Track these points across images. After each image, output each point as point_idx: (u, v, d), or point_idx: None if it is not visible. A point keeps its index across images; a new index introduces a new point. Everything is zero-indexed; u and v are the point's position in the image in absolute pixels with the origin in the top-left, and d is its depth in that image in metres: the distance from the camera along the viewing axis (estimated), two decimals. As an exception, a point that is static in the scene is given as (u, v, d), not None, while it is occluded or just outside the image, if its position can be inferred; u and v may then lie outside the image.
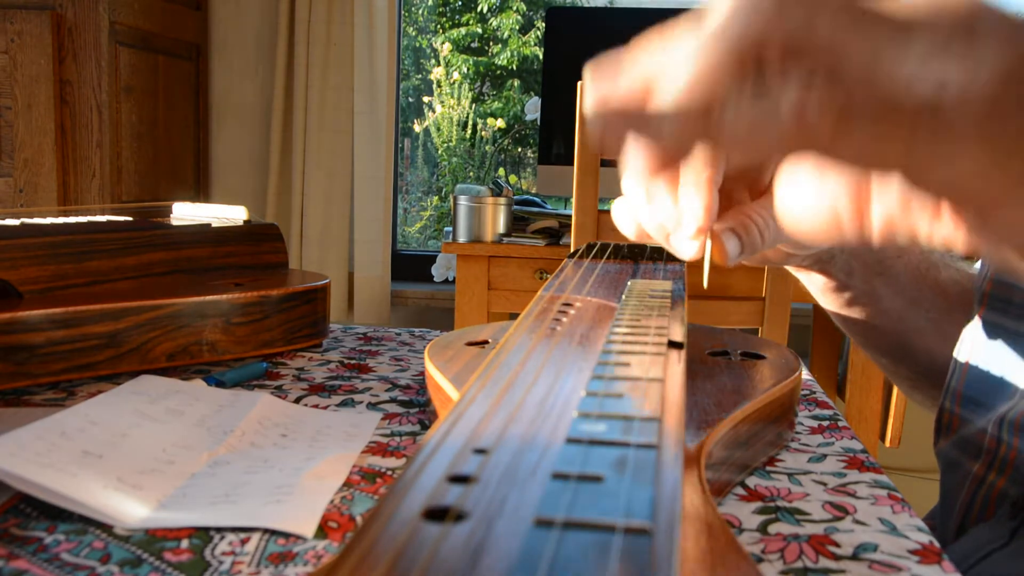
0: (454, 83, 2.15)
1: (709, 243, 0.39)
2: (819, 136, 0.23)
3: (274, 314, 0.66)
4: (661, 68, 0.28)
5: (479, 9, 2.59)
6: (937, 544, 0.37)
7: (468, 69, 2.47)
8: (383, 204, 2.03)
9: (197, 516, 0.37)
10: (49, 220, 0.70)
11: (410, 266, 2.20)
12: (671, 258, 0.60)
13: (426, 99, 2.19)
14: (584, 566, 0.17)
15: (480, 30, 2.57)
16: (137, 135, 1.85)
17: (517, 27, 2.54)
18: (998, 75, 0.23)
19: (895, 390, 1.56)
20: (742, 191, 0.44)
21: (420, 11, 2.59)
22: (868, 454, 0.48)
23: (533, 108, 2.07)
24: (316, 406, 0.55)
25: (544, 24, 1.88)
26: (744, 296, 1.36)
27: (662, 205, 0.38)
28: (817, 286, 0.62)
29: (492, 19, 2.57)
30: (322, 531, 0.36)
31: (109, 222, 0.74)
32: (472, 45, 2.57)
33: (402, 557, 0.18)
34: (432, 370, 0.50)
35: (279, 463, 0.43)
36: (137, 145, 1.85)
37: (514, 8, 2.55)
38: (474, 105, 2.16)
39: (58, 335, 0.55)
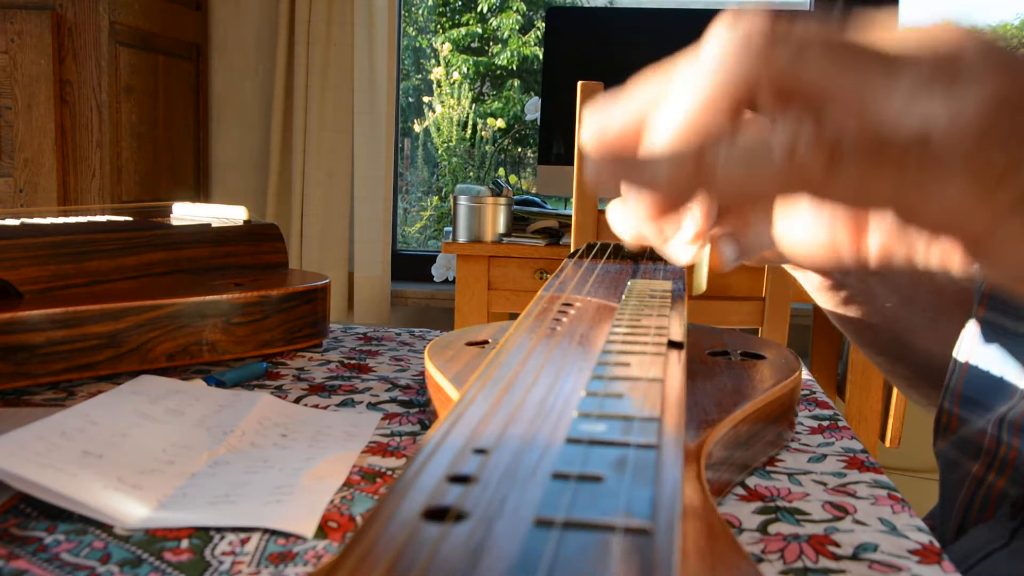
0: (454, 83, 2.15)
1: (707, 248, 0.39)
2: (811, 176, 0.23)
3: (274, 314, 0.66)
4: (654, 110, 0.29)
5: (479, 9, 2.59)
6: (937, 544, 0.37)
7: (468, 69, 2.47)
8: (383, 204, 2.03)
9: (197, 516, 0.37)
10: (49, 220, 0.70)
11: (410, 266, 2.20)
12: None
13: (426, 99, 2.19)
14: (584, 566, 0.17)
15: (480, 30, 2.57)
16: (137, 135, 1.85)
17: (517, 27, 2.54)
18: (984, 108, 0.24)
19: (895, 390, 1.56)
20: None
21: (420, 11, 2.59)
22: (868, 454, 0.48)
23: (533, 108, 2.07)
24: (316, 406, 0.55)
25: (544, 24, 1.88)
26: (744, 296, 1.36)
27: None
28: (813, 284, 0.62)
29: (492, 19, 2.58)
30: (322, 531, 0.36)
31: (109, 222, 0.74)
32: (472, 45, 2.57)
33: (402, 557, 0.18)
34: (432, 370, 0.50)
35: (279, 463, 0.43)
36: (137, 145, 1.85)
37: (514, 8, 2.55)
38: (474, 105, 2.16)
39: (58, 335, 0.55)
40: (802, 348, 1.83)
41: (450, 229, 1.81)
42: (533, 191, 2.24)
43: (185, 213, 0.86)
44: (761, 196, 0.24)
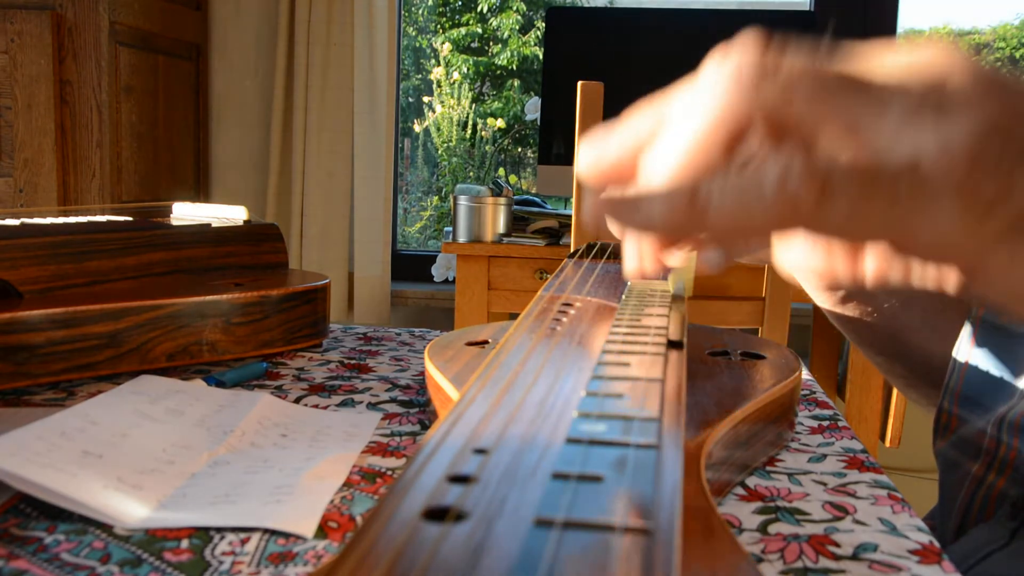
0: (454, 83, 2.15)
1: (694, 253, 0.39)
2: (803, 209, 0.23)
3: (274, 314, 0.66)
4: (649, 143, 0.29)
5: (479, 9, 2.59)
6: (937, 544, 0.37)
7: (468, 69, 2.47)
8: (383, 204, 2.03)
9: (197, 516, 0.37)
10: (49, 220, 0.70)
11: (410, 266, 2.20)
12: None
13: (426, 99, 2.18)
14: (584, 566, 0.17)
15: (480, 30, 2.57)
16: (137, 135, 1.85)
17: (517, 27, 2.54)
18: (973, 135, 0.24)
19: (895, 390, 1.56)
20: None
21: (420, 11, 2.59)
22: (868, 454, 0.48)
23: (533, 108, 2.07)
24: (316, 406, 0.55)
25: (544, 24, 1.88)
26: (744, 296, 1.36)
27: None
28: (811, 284, 0.62)
29: (492, 19, 2.57)
30: (322, 531, 0.36)
31: (109, 222, 0.74)
32: (472, 45, 2.57)
33: (402, 557, 0.18)
34: (432, 370, 0.50)
35: (279, 463, 0.43)
36: (137, 145, 1.85)
37: (514, 8, 2.55)
38: (474, 105, 2.16)
39: (58, 335, 0.55)
40: (802, 348, 1.83)
41: (450, 229, 1.81)
42: (533, 191, 2.24)
43: (185, 213, 0.86)
44: (755, 232, 0.24)
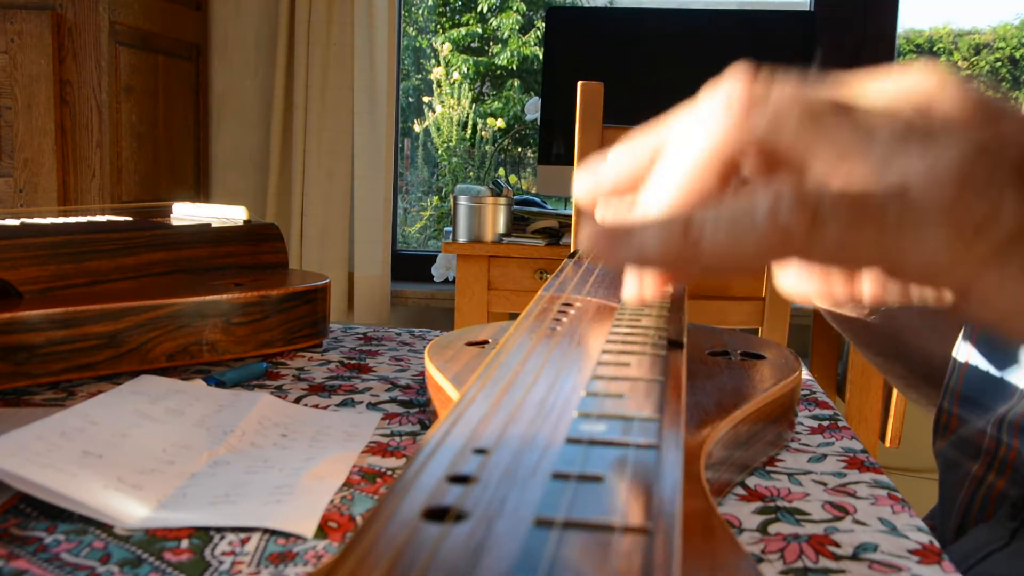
0: (454, 83, 2.15)
1: None
2: (795, 238, 0.23)
3: (274, 314, 0.66)
4: (645, 169, 0.30)
5: (479, 9, 2.59)
6: (937, 544, 0.37)
7: (468, 69, 2.47)
8: (383, 204, 2.03)
9: (197, 516, 0.37)
10: (49, 220, 0.70)
11: (410, 266, 2.20)
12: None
13: (426, 99, 2.18)
14: (584, 566, 0.17)
15: (480, 30, 2.57)
16: (137, 135, 1.85)
17: (517, 27, 2.54)
18: (961, 159, 0.24)
19: (895, 390, 1.56)
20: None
21: (420, 11, 2.59)
22: (868, 454, 0.48)
23: (533, 108, 2.07)
24: (316, 406, 0.55)
25: (544, 24, 1.88)
26: (744, 296, 1.36)
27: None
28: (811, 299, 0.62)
29: (492, 19, 2.57)
30: (322, 531, 0.36)
31: (109, 222, 0.74)
32: (472, 45, 2.57)
33: (402, 557, 0.18)
34: (432, 370, 0.50)
35: (279, 463, 0.43)
36: (137, 145, 1.85)
37: (514, 8, 2.55)
38: (474, 105, 2.16)
39: (58, 335, 0.55)
40: (802, 348, 1.83)
41: (450, 229, 1.81)
42: (533, 191, 2.24)
43: (185, 213, 0.86)
44: (749, 261, 0.24)
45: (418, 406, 0.56)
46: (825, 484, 0.43)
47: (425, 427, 0.51)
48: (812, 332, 1.80)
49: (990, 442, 0.53)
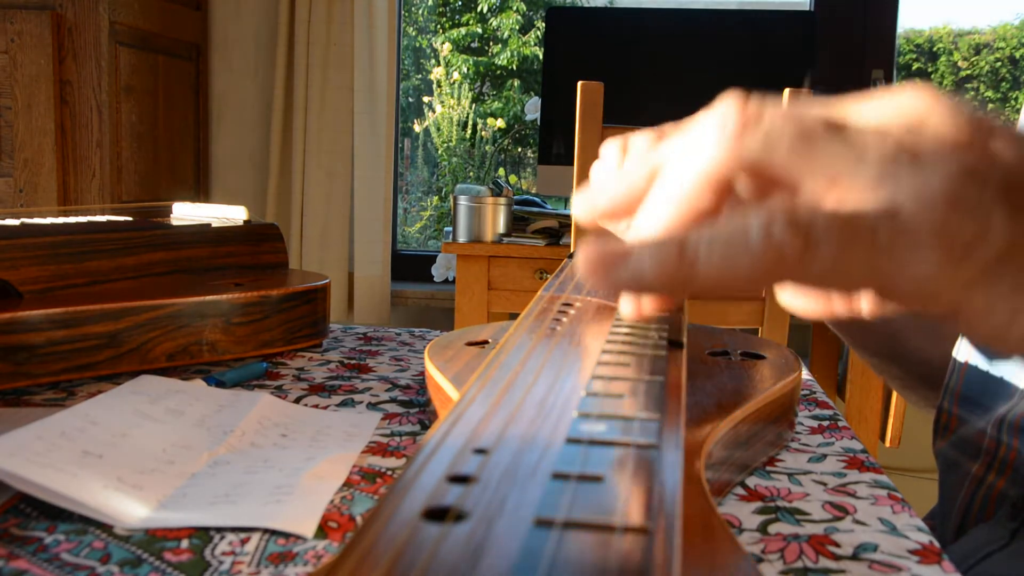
0: (454, 83, 2.15)
1: None
2: (788, 260, 0.24)
3: (274, 314, 0.66)
4: (642, 189, 0.30)
5: (479, 9, 2.59)
6: (937, 544, 0.37)
7: (468, 69, 2.47)
8: (383, 204, 2.03)
9: (197, 516, 0.37)
10: (49, 220, 0.70)
11: (410, 266, 2.20)
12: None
13: (426, 99, 2.18)
14: (584, 566, 0.17)
15: (480, 30, 2.57)
16: (137, 135, 1.85)
17: (517, 27, 2.54)
18: (947, 182, 0.24)
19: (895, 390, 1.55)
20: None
21: (420, 11, 2.59)
22: (868, 454, 0.48)
23: (533, 108, 2.07)
24: (316, 406, 0.55)
25: (544, 24, 1.88)
26: (744, 296, 1.36)
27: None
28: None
29: (492, 19, 2.57)
30: (322, 531, 0.36)
31: (109, 222, 0.74)
32: (472, 45, 2.57)
33: (402, 557, 0.18)
34: (432, 370, 0.50)
35: (279, 463, 0.43)
36: (137, 145, 1.85)
37: (514, 8, 2.55)
38: (474, 105, 2.16)
39: (58, 335, 0.55)
40: (802, 348, 1.83)
41: (450, 229, 1.81)
42: (533, 191, 2.24)
43: (185, 213, 0.86)
44: (745, 284, 0.24)
45: (418, 406, 0.56)
46: (825, 484, 0.43)
47: (425, 427, 0.51)
48: (812, 332, 1.80)
49: (990, 442, 0.53)
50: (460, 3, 2.63)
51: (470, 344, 0.54)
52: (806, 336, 1.84)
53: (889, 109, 0.26)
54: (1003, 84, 2.38)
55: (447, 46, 2.26)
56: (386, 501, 0.20)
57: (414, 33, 2.56)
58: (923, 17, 2.57)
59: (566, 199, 1.97)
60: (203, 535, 0.35)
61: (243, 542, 0.35)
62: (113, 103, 1.74)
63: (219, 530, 0.36)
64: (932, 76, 2.39)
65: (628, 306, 0.32)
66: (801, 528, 0.38)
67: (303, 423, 0.50)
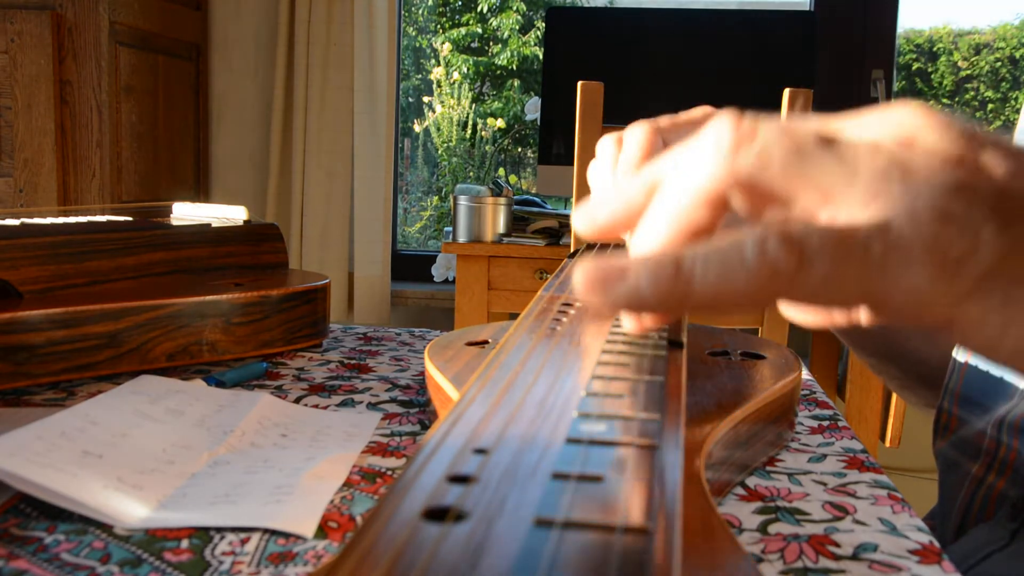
0: (454, 83, 2.15)
1: None
2: (783, 277, 0.24)
3: (274, 314, 0.66)
4: (640, 204, 0.30)
5: (479, 9, 2.59)
6: (937, 544, 0.37)
7: (468, 69, 2.47)
8: (383, 204, 2.03)
9: (197, 516, 0.37)
10: (49, 220, 0.70)
11: (410, 266, 2.20)
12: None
13: (426, 99, 2.18)
14: (584, 566, 0.17)
15: (480, 30, 2.57)
16: (137, 135, 1.85)
17: (517, 27, 2.54)
18: (938, 197, 0.24)
19: (895, 390, 1.55)
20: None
21: (420, 11, 2.59)
22: (868, 454, 0.48)
23: (533, 108, 2.07)
24: (316, 406, 0.55)
25: (544, 24, 1.88)
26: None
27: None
28: None
29: (492, 19, 2.57)
30: (322, 531, 0.36)
31: (109, 222, 0.74)
32: (472, 45, 2.57)
33: (402, 557, 0.18)
34: (432, 370, 0.50)
35: (279, 463, 0.43)
36: (137, 145, 1.85)
37: (514, 8, 2.55)
38: (474, 105, 2.16)
39: (58, 335, 0.55)
40: (802, 348, 1.83)
41: (450, 229, 1.81)
42: (533, 191, 2.24)
43: (185, 213, 0.86)
44: (740, 301, 0.24)
45: (418, 406, 0.56)
46: (825, 484, 0.43)
47: (425, 427, 0.51)
48: (812, 332, 1.80)
49: (990, 443, 0.53)
50: (460, 3, 2.63)
51: (470, 344, 0.54)
52: (806, 336, 1.84)
53: (882, 125, 0.27)
54: (1003, 84, 2.38)
55: (447, 46, 2.26)
56: (386, 501, 0.20)
57: (414, 33, 2.56)
58: (923, 17, 2.57)
59: (566, 199, 1.97)
60: (203, 535, 0.35)
61: (243, 542, 0.35)
62: (113, 103, 1.74)
63: (219, 530, 0.36)
64: (932, 76, 2.39)
65: (629, 321, 0.32)
66: (801, 528, 0.38)
67: (303, 423, 0.50)
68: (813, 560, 0.35)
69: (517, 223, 1.77)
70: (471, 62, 2.50)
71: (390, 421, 0.52)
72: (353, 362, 0.67)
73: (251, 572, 0.33)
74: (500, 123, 2.16)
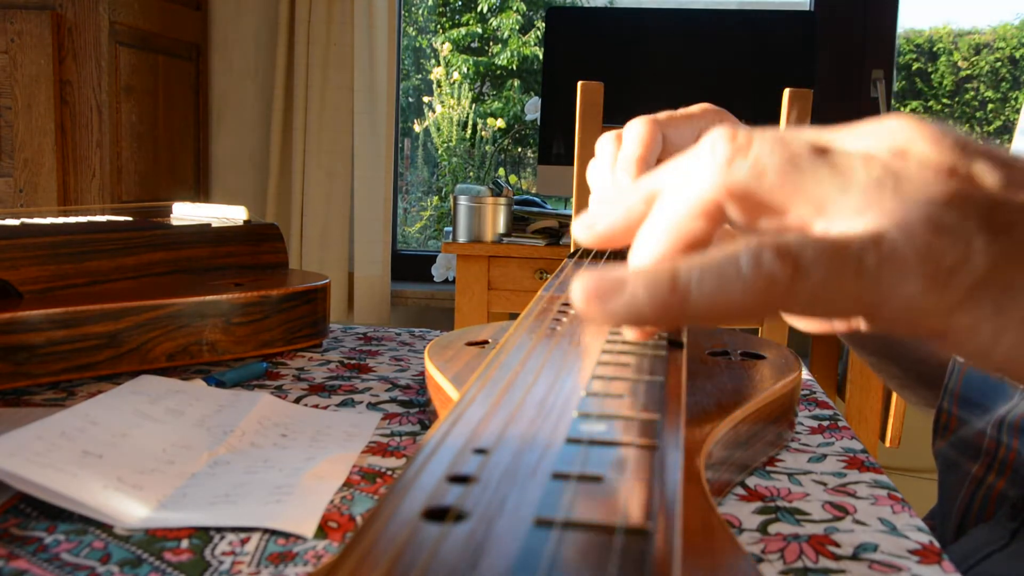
0: (454, 83, 2.15)
1: None
2: (779, 288, 0.24)
3: (274, 314, 0.66)
4: (639, 212, 0.31)
5: (479, 9, 2.59)
6: (937, 544, 0.37)
7: (468, 69, 2.47)
8: (383, 204, 2.03)
9: (197, 516, 0.37)
10: (49, 220, 0.70)
11: (410, 266, 2.20)
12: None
13: (426, 99, 2.18)
14: (584, 566, 0.17)
15: (480, 30, 2.57)
16: (137, 135, 1.85)
17: (517, 27, 2.54)
18: (930, 208, 0.24)
19: (895, 390, 1.55)
20: None
21: (420, 11, 2.59)
22: (868, 454, 0.48)
23: (533, 108, 2.07)
24: (316, 406, 0.55)
25: (544, 24, 1.88)
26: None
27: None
28: None
29: (492, 19, 2.57)
30: (322, 531, 0.36)
31: (109, 222, 0.74)
32: (472, 45, 2.57)
33: (402, 557, 0.18)
34: (432, 370, 0.50)
35: (279, 463, 0.43)
36: (137, 145, 1.85)
37: (514, 8, 2.55)
38: (474, 105, 2.16)
39: (58, 335, 0.55)
40: (802, 348, 1.83)
41: (450, 229, 1.81)
42: (533, 191, 2.24)
43: (185, 213, 0.86)
44: (737, 312, 0.24)
45: (418, 406, 0.56)
46: (825, 484, 0.43)
47: (425, 427, 0.51)
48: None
49: (990, 443, 0.53)
50: (460, 3, 2.63)
51: (470, 344, 0.54)
52: (806, 336, 1.84)
53: (875, 135, 0.27)
54: (1003, 84, 2.38)
55: (447, 46, 2.26)
56: (386, 501, 0.20)
57: (414, 33, 2.56)
58: (923, 17, 2.57)
59: (566, 199, 1.97)
60: (203, 535, 0.35)
61: (243, 542, 0.35)
62: (113, 103, 1.74)
63: (219, 530, 0.36)
64: (932, 76, 2.39)
65: (629, 331, 0.33)
66: (801, 528, 0.38)
67: (303, 423, 0.50)
68: (813, 560, 0.35)
69: (517, 223, 1.77)
70: (471, 62, 2.50)
71: (390, 421, 0.52)
72: (353, 362, 0.67)
73: (251, 572, 0.33)
74: (500, 123, 2.16)
